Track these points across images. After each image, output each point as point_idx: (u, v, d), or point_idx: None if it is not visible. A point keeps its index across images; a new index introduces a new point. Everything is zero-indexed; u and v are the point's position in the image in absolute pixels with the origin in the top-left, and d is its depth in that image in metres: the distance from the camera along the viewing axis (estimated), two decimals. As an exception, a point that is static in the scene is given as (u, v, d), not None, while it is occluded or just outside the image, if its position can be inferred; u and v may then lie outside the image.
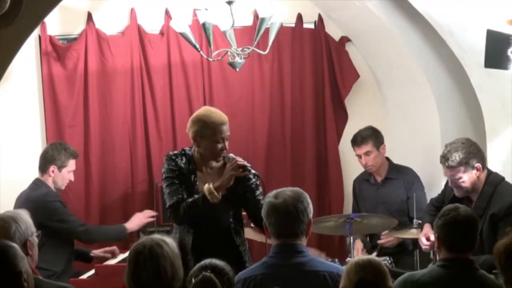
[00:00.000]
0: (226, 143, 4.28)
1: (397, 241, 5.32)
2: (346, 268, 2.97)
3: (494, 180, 4.44)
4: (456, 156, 4.39)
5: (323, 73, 6.25)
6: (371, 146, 5.46)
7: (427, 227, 4.64)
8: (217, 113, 4.36)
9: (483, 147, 4.91)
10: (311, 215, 3.43)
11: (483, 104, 5.15)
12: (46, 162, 5.05)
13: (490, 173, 4.48)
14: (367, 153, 5.48)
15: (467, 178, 4.40)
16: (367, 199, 5.63)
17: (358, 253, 5.40)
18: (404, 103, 6.11)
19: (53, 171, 5.03)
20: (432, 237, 4.50)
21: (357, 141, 5.52)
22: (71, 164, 5.11)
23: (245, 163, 4.22)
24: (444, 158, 4.43)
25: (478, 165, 4.41)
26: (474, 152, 4.42)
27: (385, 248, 5.35)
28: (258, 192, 4.30)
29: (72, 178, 5.18)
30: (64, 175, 5.08)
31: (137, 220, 5.40)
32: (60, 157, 5.04)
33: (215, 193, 4.14)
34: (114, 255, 5.17)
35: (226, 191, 4.20)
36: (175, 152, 4.37)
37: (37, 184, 5.03)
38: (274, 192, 3.46)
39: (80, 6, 5.80)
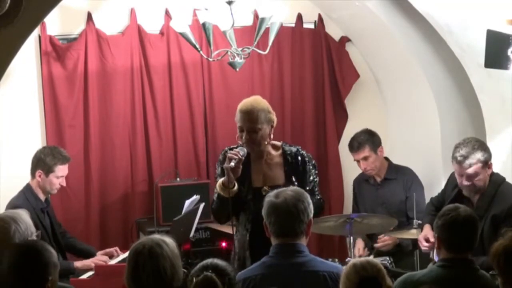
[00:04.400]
0: (254, 135, 4.17)
1: (393, 244, 5.32)
2: (344, 271, 2.96)
3: (496, 181, 4.43)
4: (476, 153, 4.37)
5: (323, 73, 6.26)
6: (369, 151, 5.44)
7: (427, 228, 4.63)
8: (247, 100, 4.28)
9: (483, 147, 4.91)
10: (311, 215, 3.44)
11: (483, 104, 5.15)
12: (33, 166, 4.95)
13: (492, 173, 4.47)
14: (365, 158, 5.46)
15: (482, 176, 4.39)
16: (367, 200, 5.62)
17: (359, 251, 5.40)
18: (404, 103, 6.11)
19: (40, 176, 4.91)
20: (432, 239, 4.51)
21: (353, 147, 5.49)
22: (60, 169, 4.94)
23: (234, 154, 4.09)
24: (463, 157, 4.38)
25: (490, 163, 4.42)
26: (487, 150, 4.43)
27: (381, 252, 5.33)
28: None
29: (64, 184, 5.03)
30: (52, 181, 4.93)
31: (89, 261, 4.97)
32: (47, 162, 4.89)
33: (225, 188, 4.12)
34: (112, 257, 5.14)
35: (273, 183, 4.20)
36: (233, 146, 4.31)
37: (23, 191, 4.94)
38: (275, 191, 3.48)
39: (80, 6, 5.80)
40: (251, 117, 4.18)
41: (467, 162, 4.36)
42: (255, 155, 4.30)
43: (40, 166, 4.92)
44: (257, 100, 4.32)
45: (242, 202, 4.27)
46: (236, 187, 4.17)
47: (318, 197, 4.36)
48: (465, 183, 4.41)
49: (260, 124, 4.19)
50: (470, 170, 4.37)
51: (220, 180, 4.17)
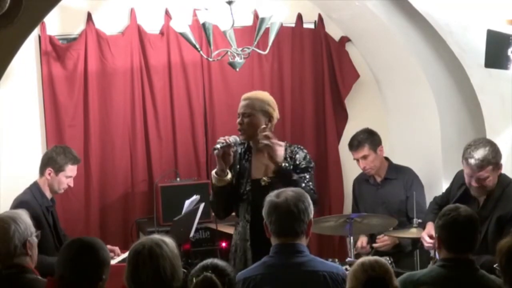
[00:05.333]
0: (246, 120, 4.27)
1: (393, 244, 5.31)
2: (352, 269, 2.96)
3: (502, 182, 4.40)
4: (487, 155, 4.31)
5: (323, 73, 6.26)
6: (368, 150, 5.45)
7: (429, 225, 4.63)
8: (251, 92, 4.50)
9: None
10: (311, 216, 3.45)
11: (483, 104, 5.15)
12: (44, 164, 4.98)
13: (499, 174, 4.44)
14: (364, 157, 5.46)
15: (492, 177, 4.35)
16: (367, 199, 5.62)
17: (362, 244, 5.40)
18: (404, 103, 6.11)
19: (49, 174, 4.93)
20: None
21: (353, 145, 5.50)
22: (70, 169, 4.98)
23: (223, 139, 4.20)
24: (474, 159, 4.31)
25: (501, 163, 4.39)
26: (498, 151, 4.40)
27: (381, 252, 5.31)
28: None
29: (72, 184, 5.06)
30: (61, 180, 4.95)
31: None
32: (58, 161, 4.92)
33: (218, 177, 4.21)
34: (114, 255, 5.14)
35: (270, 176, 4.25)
36: None
37: (30, 188, 4.94)
38: (275, 191, 3.49)
39: (80, 6, 5.80)
40: (246, 103, 4.34)
41: (479, 165, 4.30)
42: (257, 147, 4.33)
43: (51, 164, 4.95)
44: (261, 92, 4.49)
45: (239, 196, 4.32)
46: (229, 176, 4.24)
47: (311, 187, 4.27)
48: (474, 184, 4.36)
49: (253, 110, 4.30)
50: (481, 173, 4.32)
51: (214, 170, 4.24)
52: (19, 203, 4.73)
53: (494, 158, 4.34)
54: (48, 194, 4.99)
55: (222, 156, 4.19)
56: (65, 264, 3.14)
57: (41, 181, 4.98)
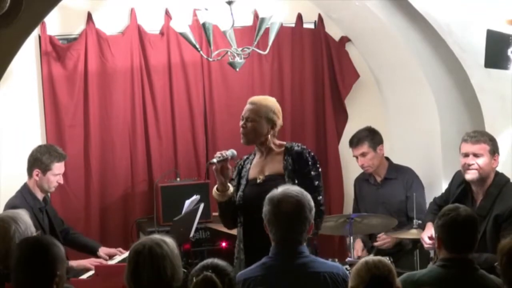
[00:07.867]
0: (249, 125, 4.19)
1: (393, 243, 5.31)
2: (356, 267, 2.96)
3: (500, 182, 4.46)
4: (485, 135, 4.51)
5: (323, 73, 6.26)
6: (367, 147, 5.46)
7: (429, 226, 4.65)
8: (258, 96, 4.48)
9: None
10: (313, 220, 3.42)
11: (483, 104, 5.15)
12: (30, 165, 4.96)
13: (496, 174, 4.51)
14: (363, 154, 5.48)
15: (485, 159, 4.44)
16: (367, 199, 5.63)
17: (357, 253, 5.39)
18: (404, 103, 6.11)
19: (37, 175, 4.92)
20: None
21: (353, 142, 5.53)
22: (57, 167, 4.97)
23: (221, 154, 4.13)
24: (471, 135, 4.51)
25: (497, 155, 4.48)
26: (495, 142, 4.52)
27: (382, 250, 5.32)
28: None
29: (61, 181, 5.05)
30: (50, 179, 4.95)
31: (85, 262, 5.01)
32: (44, 161, 4.92)
33: (219, 192, 4.15)
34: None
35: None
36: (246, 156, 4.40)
37: (21, 191, 4.95)
38: (277, 196, 3.41)
39: (80, 6, 5.80)
40: (251, 107, 4.24)
41: (475, 139, 4.46)
42: (261, 152, 4.28)
43: (37, 165, 4.93)
44: (267, 98, 4.37)
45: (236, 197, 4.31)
46: (231, 189, 4.17)
47: (322, 208, 4.12)
48: (470, 161, 4.45)
49: (258, 116, 4.20)
50: (476, 147, 4.43)
51: (215, 187, 4.19)
52: (10, 208, 4.66)
53: (490, 140, 4.47)
54: (39, 195, 4.98)
55: (220, 171, 4.12)
56: (16, 266, 3.11)
57: (30, 182, 4.97)
